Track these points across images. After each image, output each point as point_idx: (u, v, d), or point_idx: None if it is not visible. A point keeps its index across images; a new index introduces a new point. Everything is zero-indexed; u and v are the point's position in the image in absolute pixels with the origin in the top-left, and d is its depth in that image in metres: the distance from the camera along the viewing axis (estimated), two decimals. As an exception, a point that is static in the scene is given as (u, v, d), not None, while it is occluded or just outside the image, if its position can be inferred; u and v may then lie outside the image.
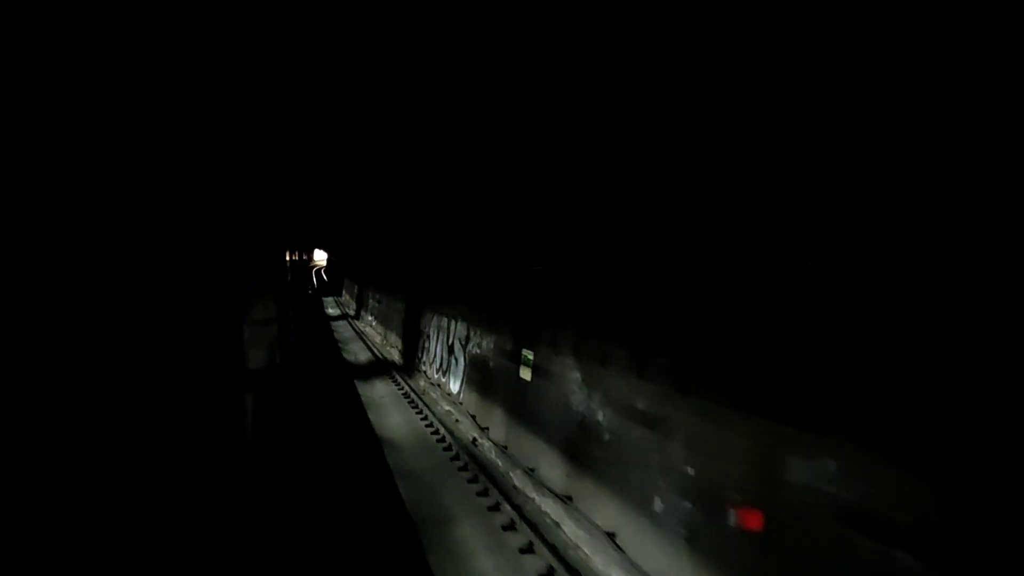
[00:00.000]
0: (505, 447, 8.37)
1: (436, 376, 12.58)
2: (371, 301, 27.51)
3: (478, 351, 10.19)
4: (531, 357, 7.80)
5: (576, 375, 6.68)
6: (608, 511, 5.79)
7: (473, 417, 9.76)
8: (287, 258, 20.38)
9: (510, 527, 6.53)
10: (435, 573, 5.43)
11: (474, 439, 9.34)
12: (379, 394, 13.29)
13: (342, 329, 27.85)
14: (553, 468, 6.98)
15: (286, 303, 14.02)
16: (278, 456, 7.88)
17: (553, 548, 5.84)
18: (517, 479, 7.63)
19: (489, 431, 9.09)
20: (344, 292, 44.20)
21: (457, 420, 10.32)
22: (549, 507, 6.75)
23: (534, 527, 6.30)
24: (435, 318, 13.38)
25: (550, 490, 6.78)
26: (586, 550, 5.83)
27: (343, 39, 3.95)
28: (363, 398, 12.53)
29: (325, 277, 55.76)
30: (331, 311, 36.79)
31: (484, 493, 7.51)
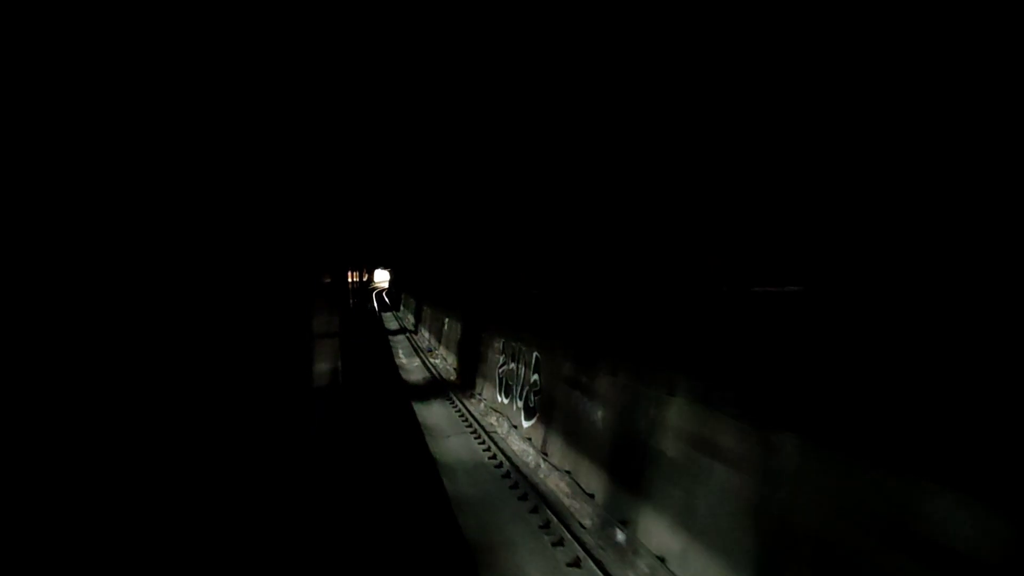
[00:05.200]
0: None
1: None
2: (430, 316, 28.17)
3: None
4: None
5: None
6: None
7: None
8: (349, 279, 21.48)
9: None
10: None
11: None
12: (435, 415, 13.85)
13: (399, 344, 28.78)
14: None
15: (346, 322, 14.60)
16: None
17: None
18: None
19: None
20: (402, 307, 45.71)
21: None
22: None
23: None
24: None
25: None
26: None
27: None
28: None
29: (387, 299, 58.74)
30: (391, 325, 38.39)
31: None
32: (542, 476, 8.92)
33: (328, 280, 9.00)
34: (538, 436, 9.85)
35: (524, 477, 8.79)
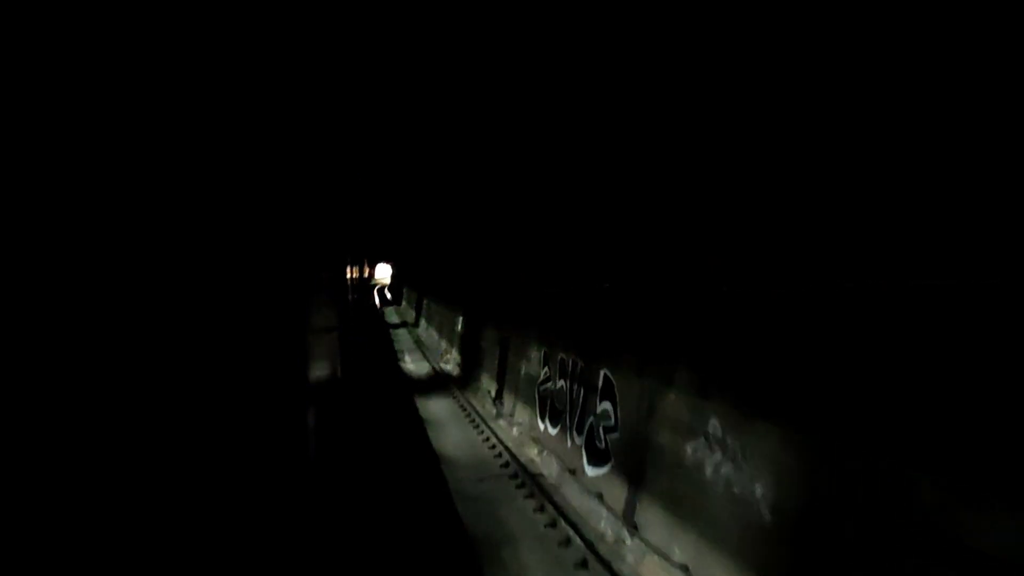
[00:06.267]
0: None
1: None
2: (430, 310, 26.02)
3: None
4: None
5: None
6: None
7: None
8: (348, 275, 19.53)
9: None
10: None
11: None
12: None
13: (401, 339, 26.80)
14: None
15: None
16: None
17: None
18: None
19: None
20: (404, 301, 46.28)
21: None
22: None
23: None
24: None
25: None
26: None
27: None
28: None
29: (388, 295, 59.62)
30: (392, 319, 39.40)
31: None
32: (631, 560, 5.97)
33: (327, 276, 8.05)
34: (617, 495, 6.86)
35: (606, 565, 5.82)
